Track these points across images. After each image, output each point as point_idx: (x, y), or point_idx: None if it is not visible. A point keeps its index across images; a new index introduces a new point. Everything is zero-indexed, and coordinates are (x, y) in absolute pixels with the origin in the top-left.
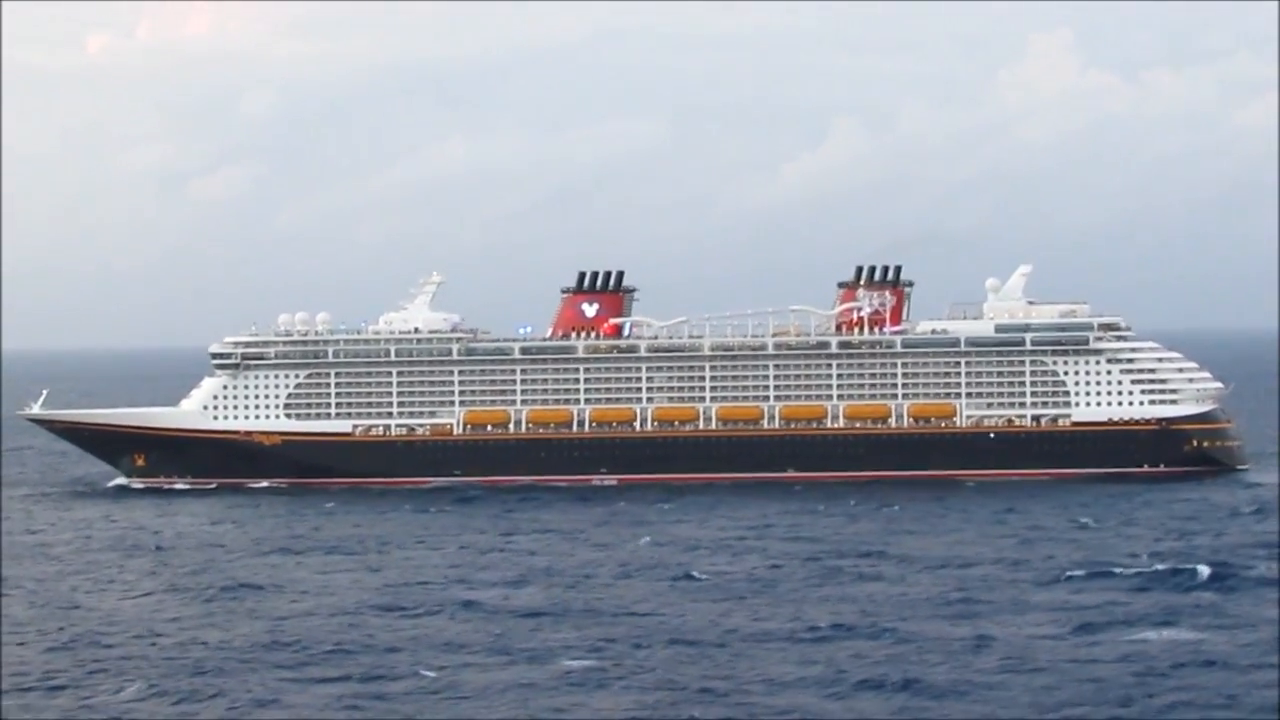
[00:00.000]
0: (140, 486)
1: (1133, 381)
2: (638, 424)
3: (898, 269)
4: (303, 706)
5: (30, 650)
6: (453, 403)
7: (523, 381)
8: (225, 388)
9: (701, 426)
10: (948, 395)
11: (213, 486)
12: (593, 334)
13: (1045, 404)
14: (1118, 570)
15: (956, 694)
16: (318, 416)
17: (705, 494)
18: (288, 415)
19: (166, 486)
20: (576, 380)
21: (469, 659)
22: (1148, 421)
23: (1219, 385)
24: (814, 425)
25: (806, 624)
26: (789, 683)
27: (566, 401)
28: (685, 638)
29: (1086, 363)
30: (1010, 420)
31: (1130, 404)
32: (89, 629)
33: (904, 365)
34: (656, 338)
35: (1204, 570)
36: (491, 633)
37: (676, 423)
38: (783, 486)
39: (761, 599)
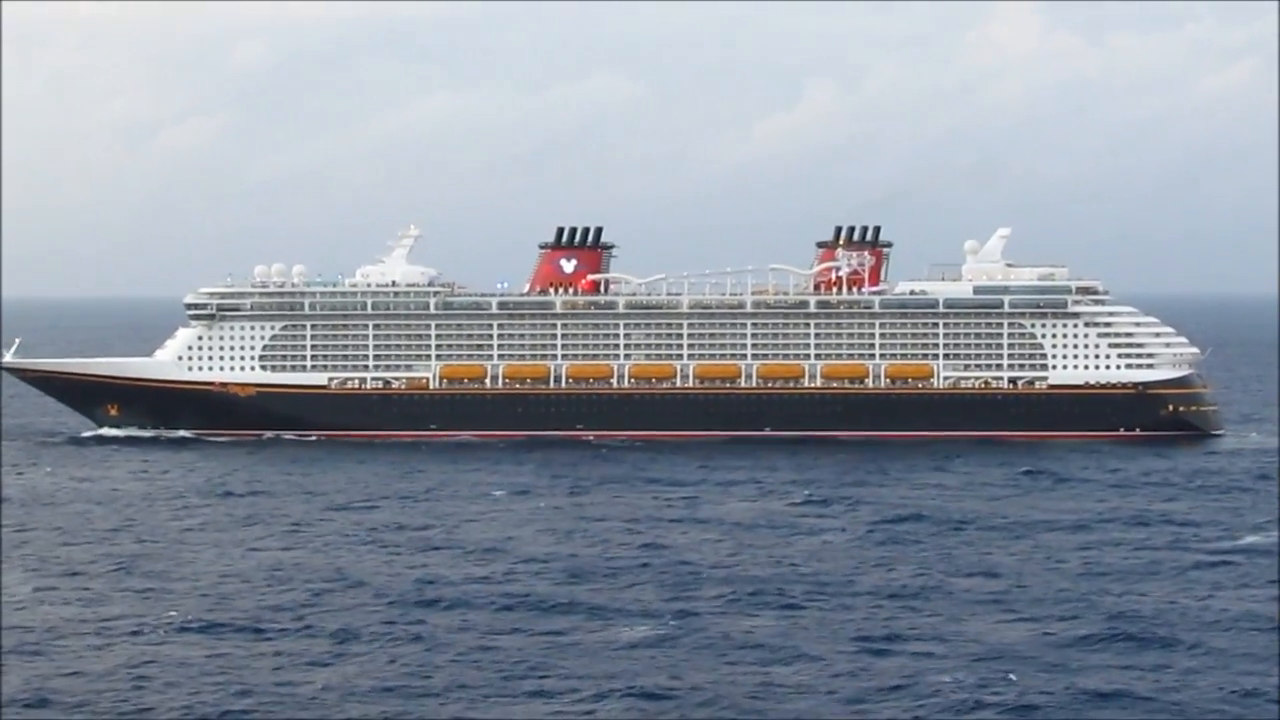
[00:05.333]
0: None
1: (1110, 345)
2: (615, 380)
3: (877, 229)
4: None
5: None
6: (429, 357)
7: (500, 336)
8: (200, 338)
9: (679, 384)
10: (925, 356)
11: (190, 437)
12: (571, 290)
13: (1022, 366)
14: None
15: None
16: (293, 369)
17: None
18: (263, 367)
19: (143, 437)
20: (554, 336)
21: None
22: (1124, 385)
23: (1195, 350)
24: (791, 384)
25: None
26: None
27: (544, 357)
28: None
29: (1064, 326)
30: (987, 382)
31: (1107, 368)
32: None
33: (882, 326)
34: (635, 295)
35: None
36: None
37: (654, 380)
38: (817, 445)
39: None
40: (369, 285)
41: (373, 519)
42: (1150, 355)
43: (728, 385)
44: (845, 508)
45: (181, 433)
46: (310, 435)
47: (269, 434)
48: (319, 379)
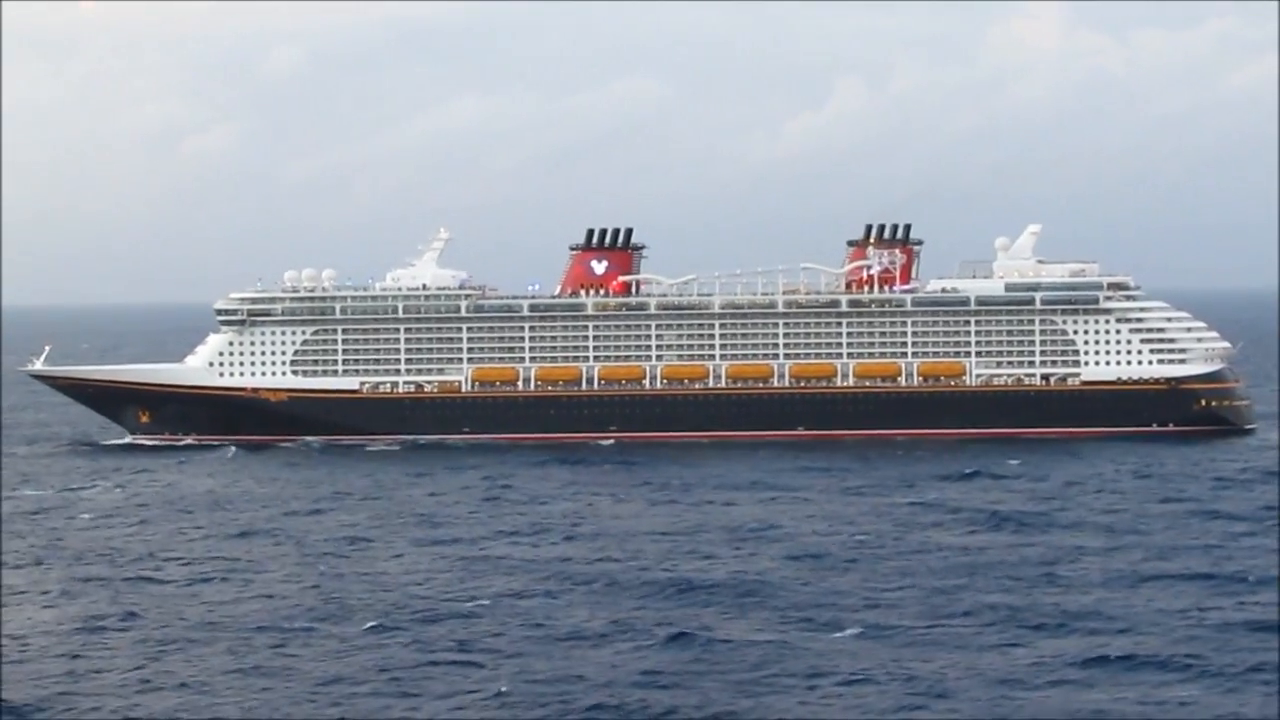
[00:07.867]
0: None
1: (1142, 341)
2: (647, 382)
3: (907, 227)
4: None
5: None
6: (461, 360)
7: (531, 339)
8: (231, 344)
9: (711, 385)
10: (957, 354)
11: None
12: (602, 291)
13: (1054, 363)
14: None
15: None
16: (325, 373)
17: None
18: (294, 372)
19: (174, 443)
20: (585, 338)
21: None
22: (1157, 381)
23: (1227, 345)
24: (824, 384)
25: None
26: None
27: (575, 359)
28: None
29: (1096, 322)
30: (1019, 379)
31: (1139, 363)
32: None
33: (914, 324)
34: (666, 295)
35: None
36: None
37: (686, 381)
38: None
39: None
40: (400, 289)
41: (495, 523)
42: (1182, 350)
43: (760, 385)
44: (952, 508)
45: (213, 439)
46: (390, 441)
47: (313, 440)
48: (351, 383)
